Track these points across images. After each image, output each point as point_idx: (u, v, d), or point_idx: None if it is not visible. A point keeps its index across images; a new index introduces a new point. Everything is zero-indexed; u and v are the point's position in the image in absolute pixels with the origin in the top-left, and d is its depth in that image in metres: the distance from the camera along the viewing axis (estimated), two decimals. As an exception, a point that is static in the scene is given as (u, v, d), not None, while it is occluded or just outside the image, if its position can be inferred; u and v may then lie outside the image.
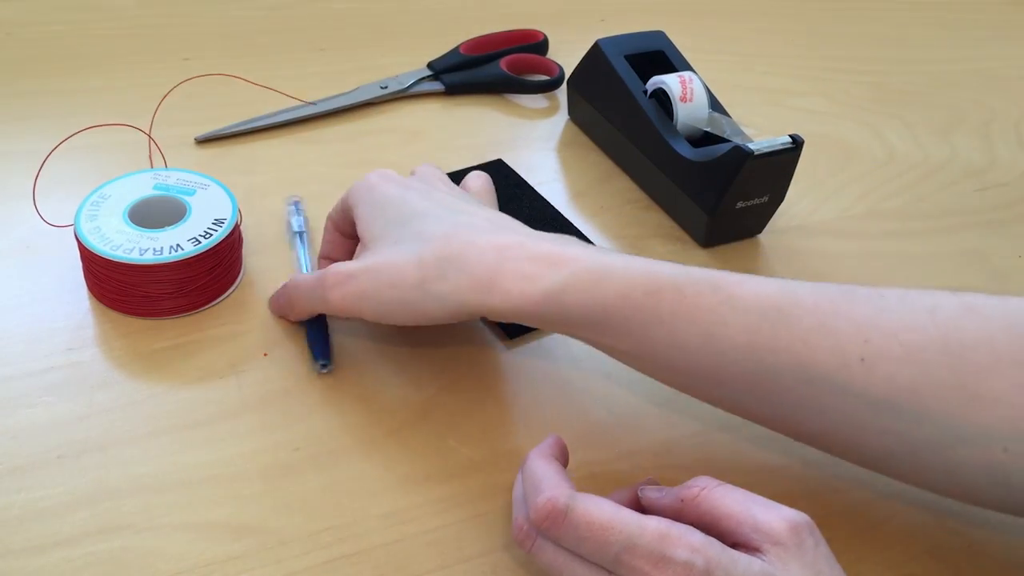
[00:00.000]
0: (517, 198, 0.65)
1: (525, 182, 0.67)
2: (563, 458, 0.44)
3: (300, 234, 0.59)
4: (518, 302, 0.44)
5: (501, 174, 0.67)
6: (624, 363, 0.46)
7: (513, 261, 0.45)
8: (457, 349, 0.54)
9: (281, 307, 0.54)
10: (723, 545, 0.37)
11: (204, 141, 0.68)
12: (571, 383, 0.53)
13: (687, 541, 0.36)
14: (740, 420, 0.52)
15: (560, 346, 0.55)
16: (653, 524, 0.37)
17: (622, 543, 0.37)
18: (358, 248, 0.51)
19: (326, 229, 0.55)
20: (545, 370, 0.54)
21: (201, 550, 0.43)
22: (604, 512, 0.38)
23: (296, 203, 0.61)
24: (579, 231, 0.62)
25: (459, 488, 0.47)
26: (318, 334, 0.53)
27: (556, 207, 0.65)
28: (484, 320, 0.55)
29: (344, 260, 0.52)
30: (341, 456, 0.48)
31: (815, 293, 0.43)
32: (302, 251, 0.58)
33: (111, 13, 0.81)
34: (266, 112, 0.70)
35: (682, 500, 0.40)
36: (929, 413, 0.41)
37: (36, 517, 0.44)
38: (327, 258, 0.55)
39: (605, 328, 0.45)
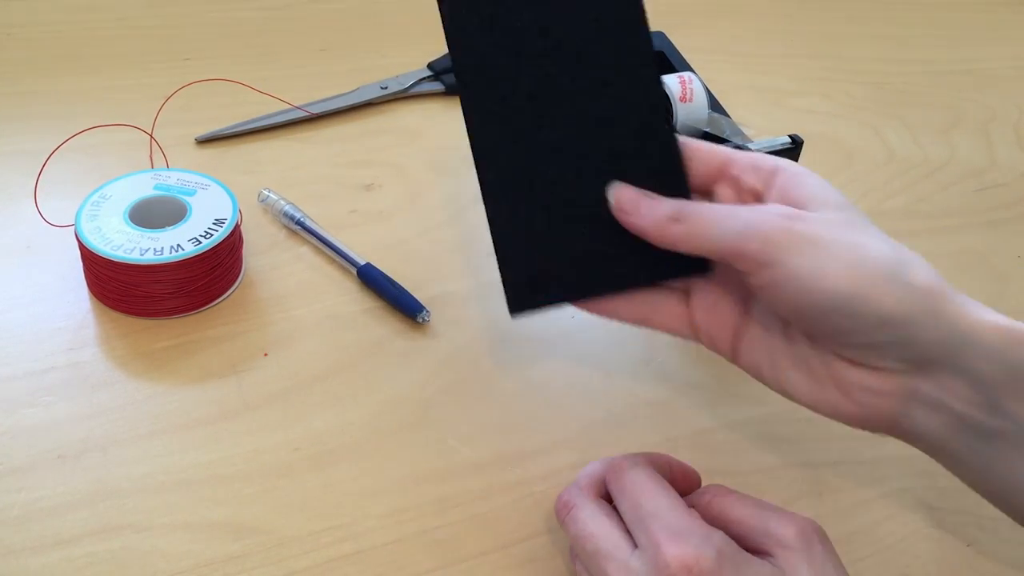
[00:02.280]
0: (622, 48, 0.41)
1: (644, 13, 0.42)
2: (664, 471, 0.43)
3: (301, 222, 0.60)
4: (1014, 334, 0.37)
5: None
6: None
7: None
8: (457, 349, 0.54)
9: (656, 223, 0.40)
10: (738, 546, 0.38)
11: (205, 141, 0.68)
12: (571, 383, 0.53)
13: (707, 531, 0.38)
14: (739, 420, 0.52)
15: (561, 346, 0.55)
16: (684, 508, 0.39)
17: (651, 510, 0.39)
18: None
19: (708, 147, 0.43)
20: (545, 370, 0.54)
21: (201, 550, 0.43)
22: (651, 480, 0.40)
23: (269, 191, 0.62)
24: (683, 164, 0.42)
25: (459, 488, 0.47)
26: (400, 292, 0.55)
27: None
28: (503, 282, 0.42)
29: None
30: (341, 456, 0.48)
31: None
32: (326, 239, 0.59)
33: (111, 13, 0.81)
34: (266, 113, 0.70)
35: (692, 507, 0.40)
36: None
37: (36, 517, 0.44)
38: None
39: None
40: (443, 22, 0.42)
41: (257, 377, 0.51)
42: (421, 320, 0.55)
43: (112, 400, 0.49)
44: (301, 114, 0.70)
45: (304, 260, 0.59)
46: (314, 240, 0.59)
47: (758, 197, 0.41)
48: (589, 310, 0.43)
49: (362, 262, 0.57)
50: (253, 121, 0.69)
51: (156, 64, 0.75)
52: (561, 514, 0.42)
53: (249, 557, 0.43)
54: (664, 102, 0.41)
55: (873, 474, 0.50)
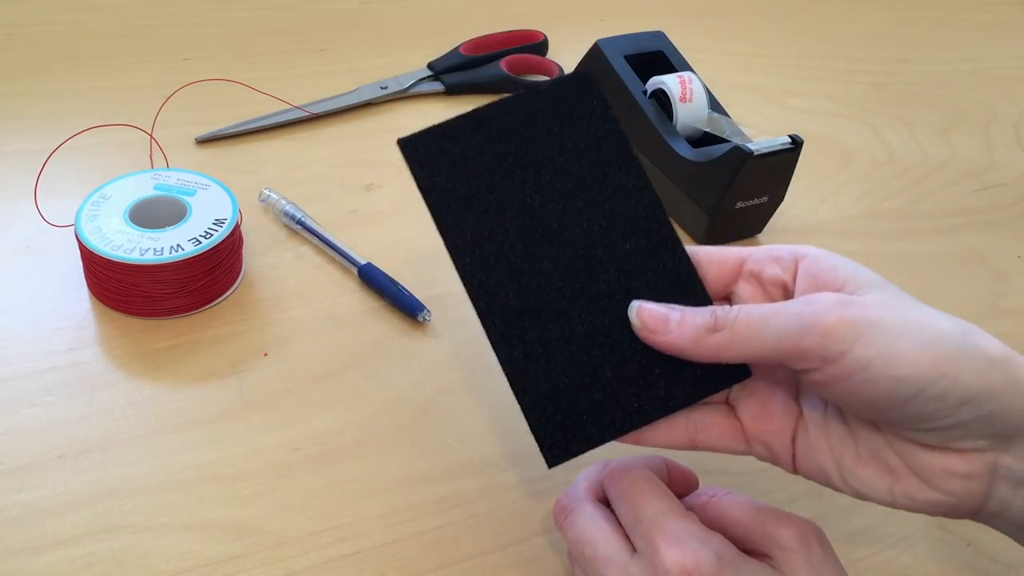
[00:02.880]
0: (607, 166, 0.40)
1: (620, 131, 0.41)
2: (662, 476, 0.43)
3: (302, 222, 0.60)
4: None
5: (586, 102, 0.41)
6: None
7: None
8: (457, 349, 0.54)
9: (686, 337, 0.38)
10: (736, 549, 0.38)
11: (204, 141, 0.68)
12: (571, 383, 0.53)
13: (705, 534, 0.37)
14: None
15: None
16: (682, 512, 0.38)
17: (650, 514, 0.38)
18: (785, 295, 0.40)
19: (719, 251, 0.41)
20: (545, 370, 0.54)
21: (201, 550, 0.43)
22: (648, 483, 0.39)
23: (270, 191, 0.62)
24: (691, 266, 0.41)
25: (459, 488, 0.47)
26: (401, 292, 0.55)
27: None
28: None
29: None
30: (341, 456, 0.48)
31: None
32: (326, 239, 0.59)
33: (111, 13, 0.81)
34: (266, 112, 0.70)
35: (691, 509, 0.40)
36: None
37: (36, 517, 0.44)
38: None
39: None
40: (411, 172, 0.40)
41: (257, 377, 0.51)
42: (422, 319, 0.55)
43: (112, 400, 0.49)
44: (301, 114, 0.70)
45: (304, 260, 0.59)
46: (314, 240, 0.60)
47: (785, 289, 0.40)
48: (632, 442, 0.41)
49: (363, 262, 0.57)
50: (253, 121, 0.69)
51: (156, 64, 0.75)
52: (559, 519, 0.41)
53: (249, 557, 0.43)
54: (662, 212, 0.40)
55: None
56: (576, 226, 0.40)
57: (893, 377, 0.35)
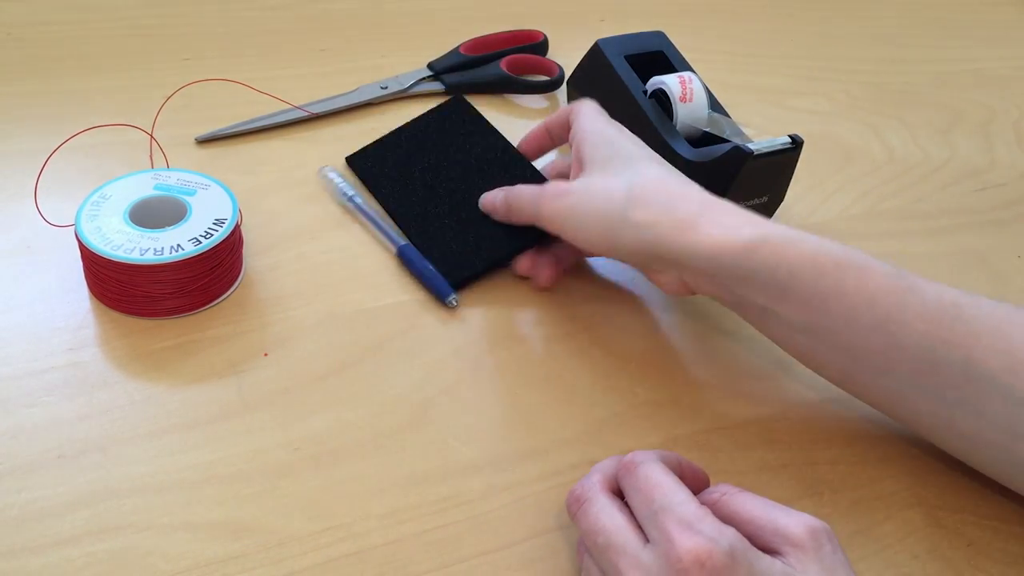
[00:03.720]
0: (473, 136, 0.65)
1: (482, 118, 0.66)
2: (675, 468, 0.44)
3: (353, 198, 0.62)
4: (716, 247, 0.48)
5: (461, 110, 0.67)
6: (791, 344, 0.50)
7: (717, 211, 0.49)
8: (457, 349, 0.54)
9: (496, 207, 0.58)
10: (749, 543, 0.38)
11: (204, 141, 0.68)
12: (572, 383, 0.53)
13: (720, 526, 0.38)
14: (740, 420, 0.52)
15: (560, 346, 0.55)
16: (697, 503, 0.39)
17: (662, 504, 0.39)
18: (572, 169, 0.56)
19: (536, 130, 0.62)
20: (545, 370, 0.54)
21: (201, 550, 0.43)
22: (664, 475, 0.40)
23: (330, 170, 0.65)
24: (534, 168, 0.62)
25: (459, 488, 0.47)
26: (434, 275, 0.57)
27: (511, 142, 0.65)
28: (423, 278, 0.58)
29: (536, 156, 0.63)
30: (341, 456, 0.48)
31: (994, 303, 0.46)
32: (373, 217, 0.61)
33: (112, 13, 0.81)
34: (267, 112, 0.70)
35: (703, 504, 0.40)
36: None
37: (36, 517, 0.44)
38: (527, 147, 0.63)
39: (787, 293, 0.47)
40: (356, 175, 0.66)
41: (257, 377, 0.51)
42: (449, 304, 0.56)
43: (112, 400, 0.49)
44: (301, 114, 0.70)
45: (304, 260, 0.59)
46: (361, 218, 0.62)
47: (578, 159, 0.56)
48: (523, 271, 0.59)
49: (402, 242, 0.60)
50: (253, 121, 0.69)
51: (156, 64, 0.75)
52: (573, 508, 0.42)
53: (249, 557, 0.43)
54: (511, 146, 0.63)
55: (873, 474, 0.50)
56: (464, 168, 0.63)
57: (588, 249, 0.55)
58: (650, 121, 0.65)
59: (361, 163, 0.66)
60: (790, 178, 0.62)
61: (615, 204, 0.51)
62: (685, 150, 0.63)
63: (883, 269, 0.46)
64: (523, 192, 0.57)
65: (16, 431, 0.47)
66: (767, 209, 0.64)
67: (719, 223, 0.48)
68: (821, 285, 0.46)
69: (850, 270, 0.46)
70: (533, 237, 0.58)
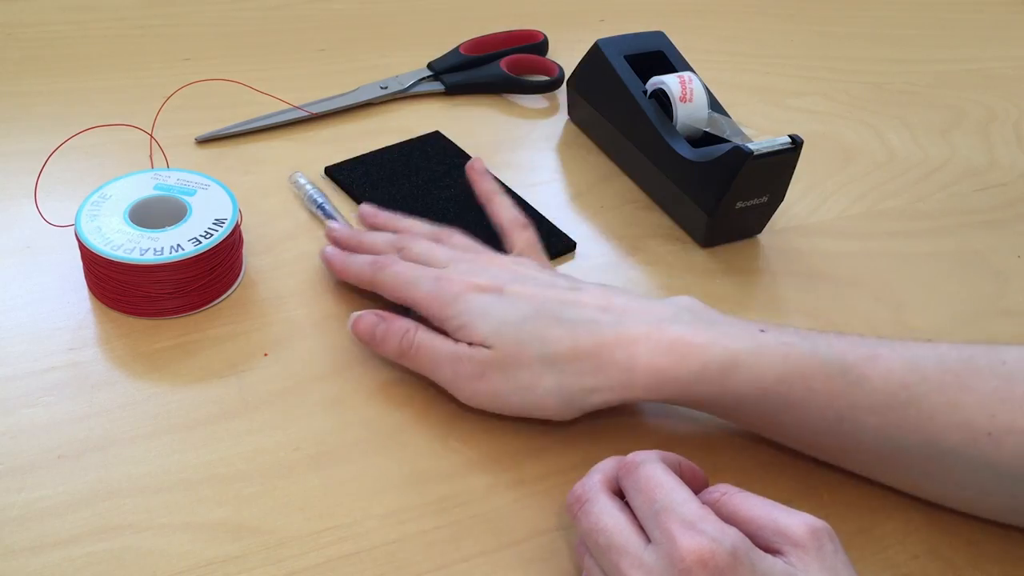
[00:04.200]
0: (457, 168, 0.65)
1: (464, 153, 0.68)
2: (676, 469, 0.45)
3: (322, 206, 0.61)
4: (654, 394, 0.47)
5: (439, 146, 0.68)
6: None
7: (645, 357, 0.46)
8: (457, 349, 0.54)
9: (388, 349, 0.51)
10: (751, 543, 0.38)
11: (205, 141, 0.68)
12: (571, 383, 0.53)
13: (722, 525, 0.38)
14: (740, 420, 0.52)
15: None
16: (699, 503, 0.39)
17: (664, 503, 0.39)
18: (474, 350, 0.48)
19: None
20: (545, 370, 0.54)
21: (201, 550, 0.43)
22: (665, 475, 0.40)
23: (300, 175, 0.64)
24: (522, 199, 0.63)
25: (459, 488, 0.47)
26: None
27: (502, 180, 0.64)
28: None
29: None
30: (341, 456, 0.48)
31: (940, 366, 0.45)
32: (337, 218, 0.61)
33: (111, 13, 0.81)
34: (266, 112, 0.70)
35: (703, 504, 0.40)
36: None
37: (36, 517, 0.44)
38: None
39: (737, 414, 0.47)
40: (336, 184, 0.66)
41: (257, 377, 0.51)
42: None
43: (112, 400, 0.49)
44: (301, 114, 0.70)
45: (304, 260, 0.59)
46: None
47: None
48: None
49: None
50: (253, 121, 0.69)
51: (156, 64, 0.75)
52: (574, 508, 0.42)
53: (249, 557, 0.43)
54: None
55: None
56: (449, 200, 0.64)
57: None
58: (650, 121, 0.65)
59: (342, 175, 0.65)
60: (790, 178, 0.62)
61: (546, 386, 0.47)
62: (685, 150, 0.63)
63: (828, 369, 0.45)
64: (439, 349, 0.49)
65: (16, 431, 0.47)
66: (767, 209, 0.64)
67: (652, 369, 0.46)
68: (768, 405, 0.46)
69: (795, 383, 0.45)
70: None
